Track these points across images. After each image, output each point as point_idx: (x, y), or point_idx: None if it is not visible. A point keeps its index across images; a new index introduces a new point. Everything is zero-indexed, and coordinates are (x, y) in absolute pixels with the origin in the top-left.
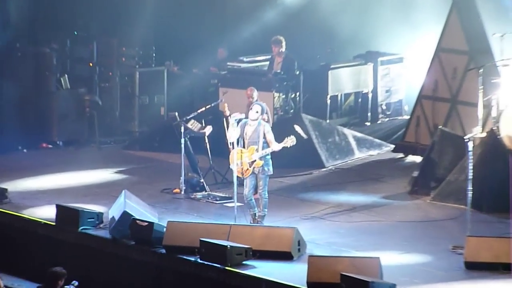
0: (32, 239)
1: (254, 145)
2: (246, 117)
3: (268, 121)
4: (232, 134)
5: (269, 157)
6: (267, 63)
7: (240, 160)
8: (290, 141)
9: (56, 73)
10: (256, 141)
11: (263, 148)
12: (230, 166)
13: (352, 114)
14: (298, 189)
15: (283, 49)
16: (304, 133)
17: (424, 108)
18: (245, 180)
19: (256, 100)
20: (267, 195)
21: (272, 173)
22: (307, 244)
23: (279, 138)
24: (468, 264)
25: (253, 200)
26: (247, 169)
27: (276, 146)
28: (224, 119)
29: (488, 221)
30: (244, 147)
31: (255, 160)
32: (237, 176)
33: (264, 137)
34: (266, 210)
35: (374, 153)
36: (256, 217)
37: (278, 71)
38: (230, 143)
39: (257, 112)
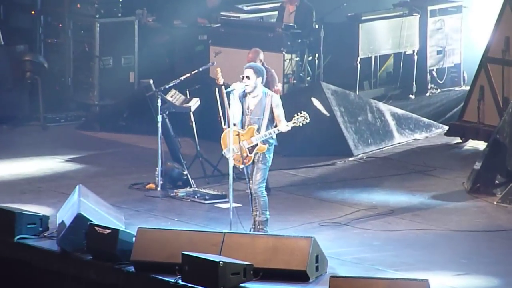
0: None
1: (256, 123)
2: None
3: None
4: (235, 112)
5: (273, 141)
6: (276, 13)
7: (237, 145)
8: (302, 118)
9: None
10: (260, 118)
11: (267, 129)
12: (223, 153)
13: (390, 83)
14: (316, 185)
15: None
16: (325, 109)
17: (491, 75)
18: (245, 170)
19: (263, 64)
20: (265, 192)
21: (271, 163)
22: (329, 260)
23: (290, 116)
24: None
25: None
26: (247, 155)
27: (283, 126)
28: (217, 89)
29: None
30: (242, 126)
31: (256, 145)
32: (234, 166)
33: (271, 113)
34: (267, 212)
35: (421, 136)
36: (257, 223)
37: (291, 24)
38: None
39: (248, 78)
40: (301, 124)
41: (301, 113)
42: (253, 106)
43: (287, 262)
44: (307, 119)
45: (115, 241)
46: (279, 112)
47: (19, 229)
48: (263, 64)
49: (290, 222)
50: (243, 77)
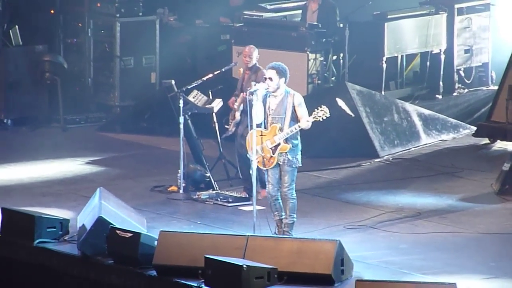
0: None
1: (278, 122)
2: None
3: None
4: (258, 112)
5: (298, 142)
6: (299, 12)
7: (260, 146)
8: (321, 112)
9: (2, 23)
10: (282, 117)
11: (289, 127)
12: (248, 155)
13: (417, 83)
14: (341, 187)
15: None
16: (350, 110)
17: None
18: (266, 173)
19: (255, 64)
20: (295, 194)
21: (300, 164)
22: (354, 263)
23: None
24: None
25: (280, 201)
26: (271, 156)
27: (304, 122)
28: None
29: None
30: (266, 127)
31: (279, 144)
32: (258, 168)
33: (294, 112)
34: (295, 215)
35: (448, 137)
36: (282, 226)
37: (315, 23)
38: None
39: (271, 79)
40: (321, 119)
41: (321, 107)
42: (274, 105)
43: (312, 266)
44: (327, 113)
45: (136, 245)
46: (302, 112)
47: (39, 233)
48: (255, 64)
49: (315, 225)
50: (265, 78)
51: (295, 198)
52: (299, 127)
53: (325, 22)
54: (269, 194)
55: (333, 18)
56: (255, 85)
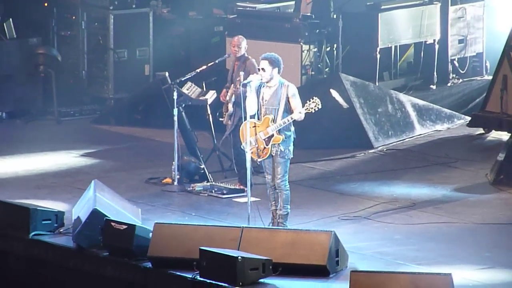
0: None
1: (272, 113)
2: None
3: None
4: (251, 103)
5: (290, 133)
6: (293, 3)
7: (254, 137)
8: (314, 104)
9: None
10: (275, 108)
11: (283, 118)
12: (242, 146)
13: (411, 73)
14: (335, 178)
15: None
16: (344, 101)
17: None
18: (263, 164)
19: (243, 54)
20: (288, 186)
21: (292, 156)
22: (349, 254)
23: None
24: None
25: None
26: (264, 148)
27: (296, 114)
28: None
29: None
30: (259, 118)
31: (272, 135)
32: (252, 159)
33: (288, 103)
34: (288, 206)
35: (443, 128)
36: (277, 216)
37: (308, 14)
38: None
39: (264, 70)
40: (313, 111)
41: (312, 98)
42: (268, 96)
43: (307, 257)
44: (319, 105)
45: (131, 237)
46: (296, 103)
47: (34, 225)
48: (244, 54)
49: (309, 216)
50: (259, 69)
51: (288, 189)
52: (292, 118)
53: (319, 14)
54: (268, 184)
55: (327, 9)
56: (244, 76)
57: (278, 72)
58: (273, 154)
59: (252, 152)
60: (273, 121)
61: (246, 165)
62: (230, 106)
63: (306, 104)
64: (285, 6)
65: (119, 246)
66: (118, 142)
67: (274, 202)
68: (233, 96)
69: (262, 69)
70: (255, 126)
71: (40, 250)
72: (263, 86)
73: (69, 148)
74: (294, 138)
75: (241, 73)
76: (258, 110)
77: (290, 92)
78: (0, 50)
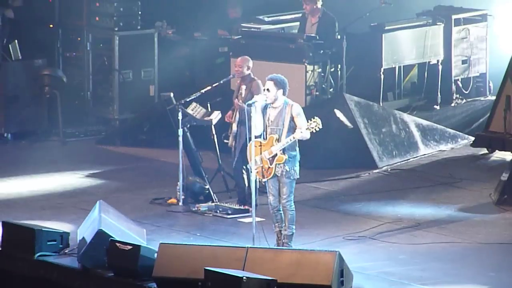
0: None
1: (277, 133)
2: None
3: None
4: (257, 124)
5: (296, 153)
6: (297, 24)
7: (259, 156)
8: (314, 124)
9: (1, 38)
10: (280, 128)
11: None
12: (248, 166)
13: (415, 94)
14: (340, 198)
15: (319, 5)
16: (349, 121)
17: None
18: (267, 184)
19: (249, 75)
20: (293, 206)
21: (298, 176)
22: (354, 274)
23: None
24: None
25: (282, 212)
26: (269, 167)
27: (298, 133)
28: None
29: None
30: (265, 138)
31: (276, 154)
32: (257, 179)
33: (292, 123)
34: (293, 227)
35: (447, 148)
36: (282, 237)
37: (313, 34)
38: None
39: (269, 90)
40: (313, 131)
41: (313, 118)
42: (273, 117)
43: (312, 277)
44: (319, 125)
45: (136, 257)
46: (301, 122)
47: (39, 246)
48: (249, 74)
49: (314, 236)
50: (264, 89)
51: (294, 209)
52: (294, 138)
53: (324, 35)
54: (271, 205)
55: (332, 30)
56: (249, 96)
57: (284, 94)
58: (278, 174)
59: (257, 172)
60: (278, 141)
61: (244, 185)
62: (234, 125)
63: (307, 124)
64: (290, 27)
65: (124, 266)
66: (123, 163)
67: (277, 223)
68: (237, 116)
69: (267, 89)
70: (260, 146)
71: (46, 271)
72: (269, 107)
73: (74, 169)
74: (299, 158)
75: (243, 87)
76: (264, 131)
77: (295, 112)
78: (5, 71)
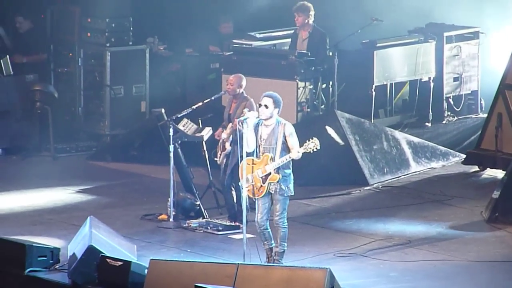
0: None
1: (270, 152)
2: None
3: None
4: (249, 141)
5: (290, 171)
6: (288, 40)
7: (251, 174)
8: (312, 144)
9: None
10: (273, 147)
11: (281, 157)
12: (239, 184)
13: (406, 111)
14: (331, 215)
15: (311, 21)
16: (340, 138)
17: (509, 102)
18: (256, 202)
19: (242, 93)
20: (286, 223)
21: (292, 193)
22: None
23: (301, 143)
24: None
25: (269, 230)
26: (261, 186)
27: (294, 153)
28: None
29: None
30: (258, 156)
31: (269, 173)
32: (248, 197)
33: (285, 142)
34: (285, 244)
35: (438, 165)
36: (273, 254)
37: (304, 51)
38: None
39: (266, 107)
40: (311, 151)
41: (312, 139)
42: (265, 135)
43: None
44: (317, 145)
45: (127, 273)
46: (293, 142)
47: (30, 261)
48: (242, 93)
49: (305, 253)
50: (260, 104)
51: (286, 227)
52: (290, 157)
53: (315, 51)
54: (257, 224)
55: (323, 46)
56: (252, 113)
57: (278, 113)
58: (272, 192)
59: (248, 190)
60: (272, 160)
61: (234, 202)
62: (227, 145)
63: (305, 144)
64: (281, 43)
65: (114, 282)
66: (114, 179)
67: (266, 241)
68: (231, 136)
69: (265, 105)
70: (253, 164)
71: (36, 287)
72: (261, 125)
73: (65, 185)
74: (292, 176)
75: (245, 110)
76: (256, 148)
77: (287, 131)
78: None
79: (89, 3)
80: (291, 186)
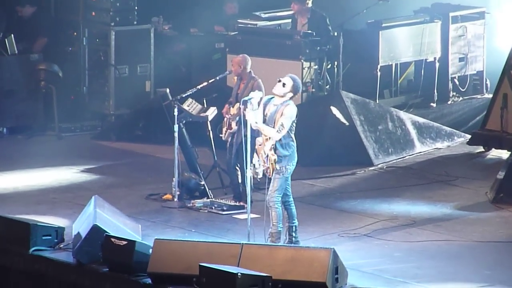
0: None
1: None
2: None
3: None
4: (258, 119)
5: (286, 152)
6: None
7: (262, 152)
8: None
9: None
10: (272, 126)
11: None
12: (254, 161)
13: (411, 91)
14: (336, 195)
15: (310, 3)
16: (345, 118)
17: None
18: (267, 181)
19: (250, 73)
20: (279, 204)
21: (289, 173)
22: (349, 272)
23: (308, 124)
24: None
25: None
26: (268, 165)
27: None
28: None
29: None
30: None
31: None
32: (252, 177)
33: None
34: (280, 225)
35: (443, 145)
36: (268, 235)
37: (309, 31)
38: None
39: (284, 85)
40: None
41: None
42: (269, 114)
43: (306, 274)
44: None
45: (131, 253)
46: (280, 122)
47: (34, 240)
48: (250, 72)
49: (309, 233)
50: (280, 80)
51: (279, 207)
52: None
53: (318, 30)
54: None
55: (323, 27)
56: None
57: (291, 98)
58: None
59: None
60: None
61: (241, 181)
62: (234, 124)
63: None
64: (286, 23)
65: (119, 262)
66: (119, 158)
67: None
68: (237, 116)
69: (283, 84)
70: (264, 141)
71: (40, 266)
72: (270, 103)
73: (70, 164)
74: (294, 157)
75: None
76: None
77: (285, 111)
78: (1, 65)
79: None
80: (289, 167)
